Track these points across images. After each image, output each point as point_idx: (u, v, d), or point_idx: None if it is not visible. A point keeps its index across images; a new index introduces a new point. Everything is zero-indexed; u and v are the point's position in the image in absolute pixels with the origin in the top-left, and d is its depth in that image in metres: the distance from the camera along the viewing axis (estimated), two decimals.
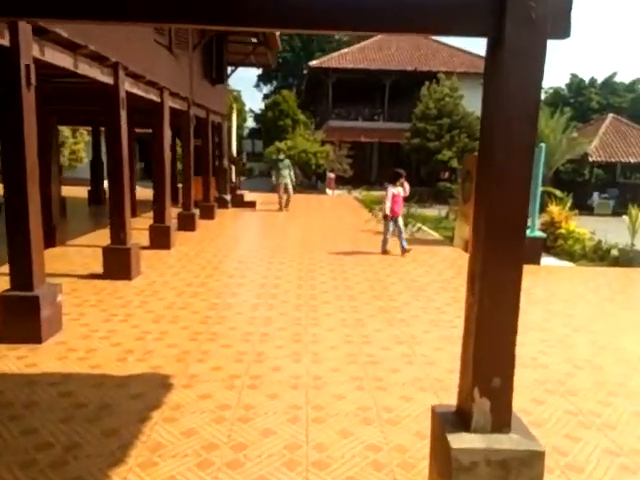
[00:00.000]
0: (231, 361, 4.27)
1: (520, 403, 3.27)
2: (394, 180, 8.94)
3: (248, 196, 15.62)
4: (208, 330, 5.03)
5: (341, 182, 30.31)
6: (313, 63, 29.00)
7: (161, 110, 8.82)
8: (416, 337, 5.06)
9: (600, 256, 11.24)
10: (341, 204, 18.01)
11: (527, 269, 9.45)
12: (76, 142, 22.54)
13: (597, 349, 4.99)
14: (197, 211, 11.45)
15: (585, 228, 11.64)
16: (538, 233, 10.78)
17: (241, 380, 3.90)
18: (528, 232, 10.66)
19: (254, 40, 13.06)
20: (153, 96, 8.37)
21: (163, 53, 8.90)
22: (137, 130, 13.50)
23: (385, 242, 9.19)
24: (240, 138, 26.79)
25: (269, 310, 5.73)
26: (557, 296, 7.40)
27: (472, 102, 21.13)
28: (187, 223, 10.76)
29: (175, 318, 5.33)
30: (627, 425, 3.47)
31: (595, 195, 23.80)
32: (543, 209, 12.75)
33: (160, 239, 8.61)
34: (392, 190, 8.88)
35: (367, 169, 32.04)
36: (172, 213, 9.32)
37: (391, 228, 9.17)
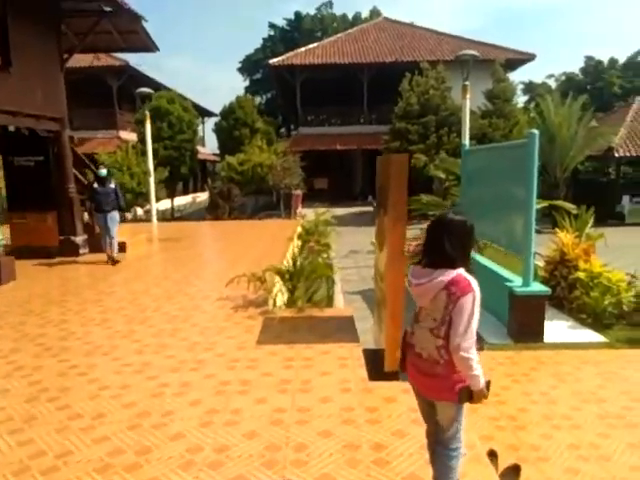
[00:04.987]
0: None
1: None
2: None
3: (121, 233, 10.39)
4: None
5: (317, 198, 25.84)
6: (274, 61, 24.68)
7: None
8: None
9: None
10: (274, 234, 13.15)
11: (516, 358, 5.07)
12: None
13: None
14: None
15: (619, 270, 6.90)
16: (537, 285, 6.14)
17: None
18: (519, 286, 6.06)
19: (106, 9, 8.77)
20: None
21: None
22: None
23: None
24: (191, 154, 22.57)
25: None
26: None
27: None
28: None
29: None
30: None
31: (625, 199, 18.77)
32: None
33: None
34: None
35: (349, 181, 27.51)
36: None
37: None
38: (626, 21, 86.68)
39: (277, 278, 5.97)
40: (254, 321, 5.28)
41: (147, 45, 10.80)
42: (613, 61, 32.61)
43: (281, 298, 5.85)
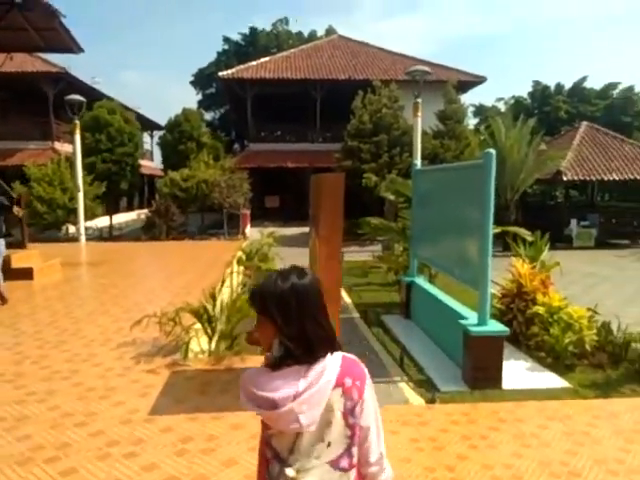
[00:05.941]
0: None
1: None
2: None
3: (30, 257, 8.92)
4: None
5: (269, 217, 24.86)
6: (223, 73, 23.71)
7: None
8: None
9: (611, 354, 6.08)
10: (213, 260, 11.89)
11: (473, 414, 4.29)
12: None
13: None
14: None
15: (580, 305, 6.33)
16: (494, 325, 5.44)
17: None
18: (474, 324, 5.35)
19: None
20: None
21: None
22: None
23: None
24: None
25: None
26: None
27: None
28: None
29: None
30: None
31: (573, 223, 18.83)
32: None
33: None
34: None
35: (301, 200, 26.70)
36: None
37: None
38: (574, 48, 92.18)
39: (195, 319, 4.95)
40: (156, 377, 4.23)
41: (68, 45, 9.61)
42: (559, 87, 33.70)
43: (197, 342, 4.83)
